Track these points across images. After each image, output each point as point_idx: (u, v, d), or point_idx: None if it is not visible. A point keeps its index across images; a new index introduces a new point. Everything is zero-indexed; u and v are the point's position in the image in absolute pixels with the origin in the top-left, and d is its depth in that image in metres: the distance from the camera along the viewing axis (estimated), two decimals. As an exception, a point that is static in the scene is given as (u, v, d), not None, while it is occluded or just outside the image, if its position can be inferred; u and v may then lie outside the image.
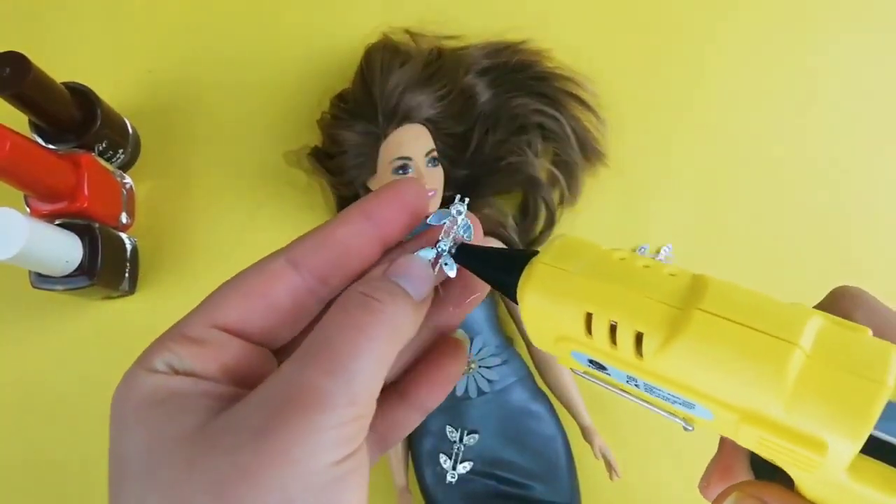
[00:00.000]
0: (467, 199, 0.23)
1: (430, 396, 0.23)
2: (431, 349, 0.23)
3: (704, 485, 0.22)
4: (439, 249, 0.22)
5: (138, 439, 0.18)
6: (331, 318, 0.19)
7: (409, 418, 0.23)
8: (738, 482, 0.21)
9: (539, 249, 0.21)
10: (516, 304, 0.21)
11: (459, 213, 0.22)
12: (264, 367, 0.20)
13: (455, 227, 0.22)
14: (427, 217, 0.22)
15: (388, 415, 0.22)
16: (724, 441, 0.22)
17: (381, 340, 0.18)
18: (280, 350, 0.21)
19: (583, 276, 0.19)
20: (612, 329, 0.19)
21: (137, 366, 0.19)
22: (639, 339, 0.18)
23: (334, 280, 0.21)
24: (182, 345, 0.19)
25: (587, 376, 0.21)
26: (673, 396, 0.19)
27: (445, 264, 0.22)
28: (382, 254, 0.22)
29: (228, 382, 0.19)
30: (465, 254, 0.22)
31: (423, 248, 0.22)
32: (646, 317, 0.18)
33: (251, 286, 0.20)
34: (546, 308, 0.20)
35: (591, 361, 0.20)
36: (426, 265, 0.21)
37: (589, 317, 0.19)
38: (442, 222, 0.22)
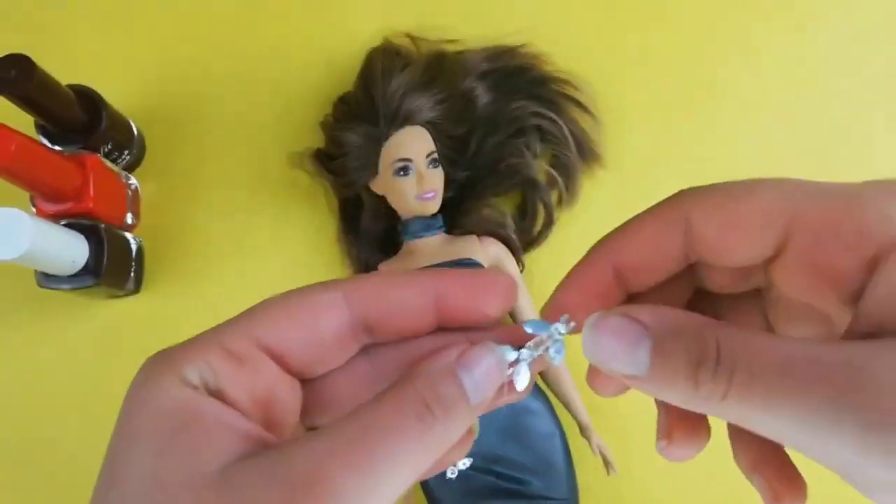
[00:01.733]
0: (573, 324, 0.20)
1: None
2: None
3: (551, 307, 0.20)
4: (521, 357, 0.19)
5: (145, 464, 0.16)
6: (382, 409, 0.17)
7: None
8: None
9: None
10: None
11: (561, 334, 0.20)
12: (288, 399, 0.19)
13: (549, 344, 0.20)
14: (525, 322, 0.20)
15: None
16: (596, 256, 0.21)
17: (423, 454, 0.17)
18: (305, 382, 0.20)
19: None
20: None
21: (168, 368, 0.17)
22: None
23: (380, 332, 0.20)
24: (221, 358, 0.18)
25: None
26: None
27: (518, 374, 0.19)
28: (436, 329, 0.20)
29: (253, 413, 0.18)
30: None
31: (502, 343, 0.19)
32: None
33: (302, 310, 0.19)
34: None
35: None
36: (500, 367, 0.18)
37: None
38: (538, 334, 0.20)
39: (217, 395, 0.17)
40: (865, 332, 0.17)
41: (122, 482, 0.16)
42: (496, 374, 0.18)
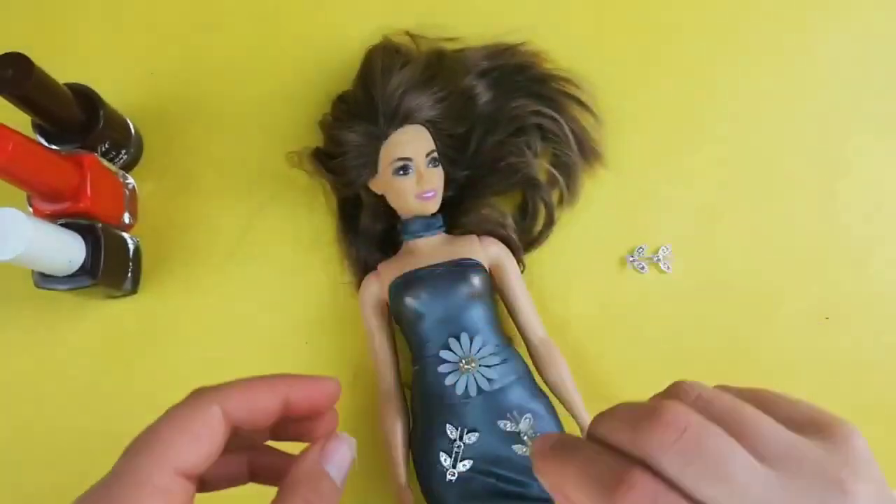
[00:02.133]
0: None
1: None
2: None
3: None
4: None
5: None
6: None
7: None
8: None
9: None
10: None
11: None
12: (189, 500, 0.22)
13: None
14: None
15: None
16: None
17: None
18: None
19: None
20: None
21: None
22: None
23: (241, 426, 0.24)
24: (155, 499, 0.20)
25: None
26: None
27: None
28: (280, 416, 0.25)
29: None
30: None
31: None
32: None
33: (200, 429, 0.22)
34: None
35: None
36: (351, 451, 0.24)
37: None
38: None
39: None
40: None
41: None
42: (349, 457, 0.24)
